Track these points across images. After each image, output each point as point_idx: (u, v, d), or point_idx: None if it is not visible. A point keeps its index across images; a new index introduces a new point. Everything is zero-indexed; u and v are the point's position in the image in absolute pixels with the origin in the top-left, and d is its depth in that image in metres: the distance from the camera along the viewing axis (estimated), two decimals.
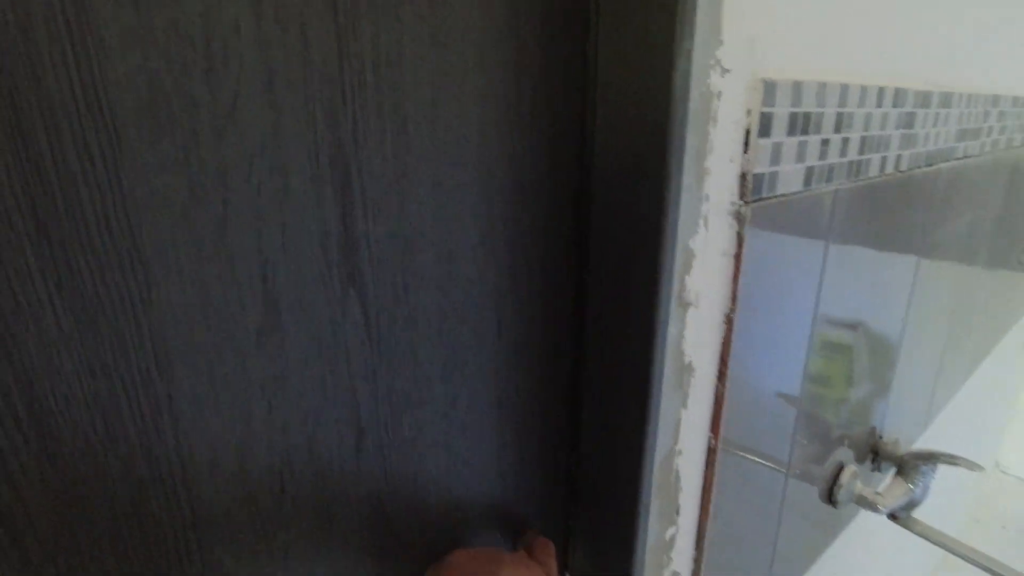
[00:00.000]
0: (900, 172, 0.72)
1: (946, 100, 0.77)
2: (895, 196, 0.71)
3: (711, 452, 0.58)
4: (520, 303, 0.50)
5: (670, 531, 0.58)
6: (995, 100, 0.94)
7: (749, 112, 0.48)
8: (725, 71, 0.45)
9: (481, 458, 0.52)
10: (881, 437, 0.92)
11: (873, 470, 0.93)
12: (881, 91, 0.63)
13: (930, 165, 0.79)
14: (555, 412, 0.56)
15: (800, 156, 0.54)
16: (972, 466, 0.83)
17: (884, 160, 0.68)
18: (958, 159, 0.86)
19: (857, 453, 0.87)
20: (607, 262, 0.50)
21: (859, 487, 0.85)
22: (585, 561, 0.61)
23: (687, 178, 0.44)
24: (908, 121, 0.70)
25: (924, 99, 0.71)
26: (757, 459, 0.64)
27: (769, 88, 0.48)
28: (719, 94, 0.45)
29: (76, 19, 0.27)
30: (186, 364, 0.34)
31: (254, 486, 0.38)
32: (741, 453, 0.61)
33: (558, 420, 0.57)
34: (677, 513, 0.58)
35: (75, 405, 0.31)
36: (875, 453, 0.92)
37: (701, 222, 0.48)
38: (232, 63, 0.31)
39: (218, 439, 0.36)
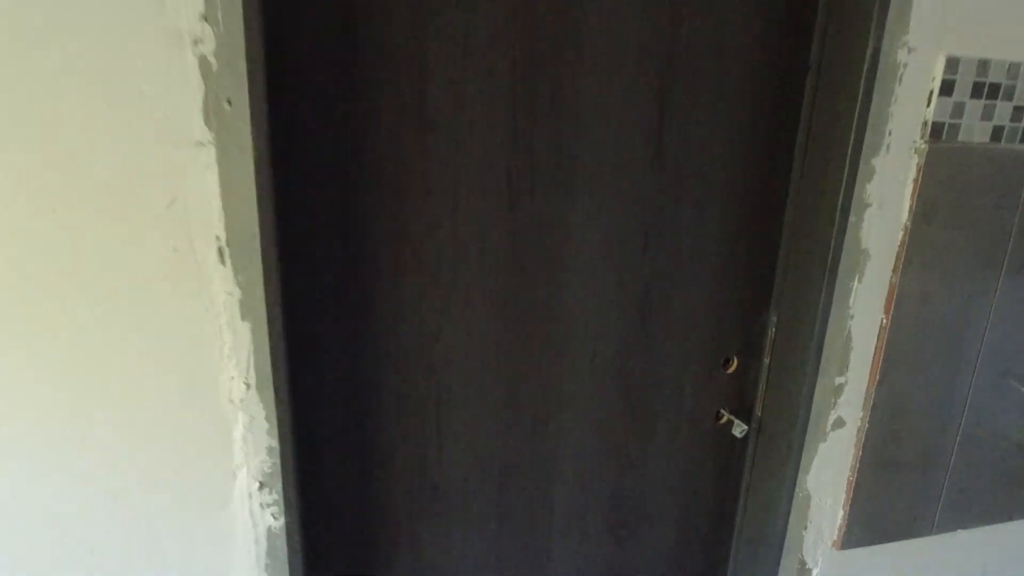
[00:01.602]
0: None
1: None
2: None
3: (882, 329, 0.80)
4: (755, 198, 0.80)
5: (839, 380, 0.81)
6: None
7: (934, 79, 0.72)
8: (912, 49, 0.70)
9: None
10: None
11: None
12: None
13: None
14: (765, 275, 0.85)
15: (987, 115, 0.74)
16: None
17: None
18: None
19: None
20: (812, 164, 0.78)
21: None
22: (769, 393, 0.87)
23: (872, 118, 0.71)
24: None
25: None
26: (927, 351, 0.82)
27: (952, 62, 0.71)
28: (905, 64, 0.70)
29: None
30: None
31: None
32: (912, 339, 0.81)
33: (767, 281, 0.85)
34: (847, 367, 0.81)
35: None
36: None
37: (884, 148, 0.73)
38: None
39: None
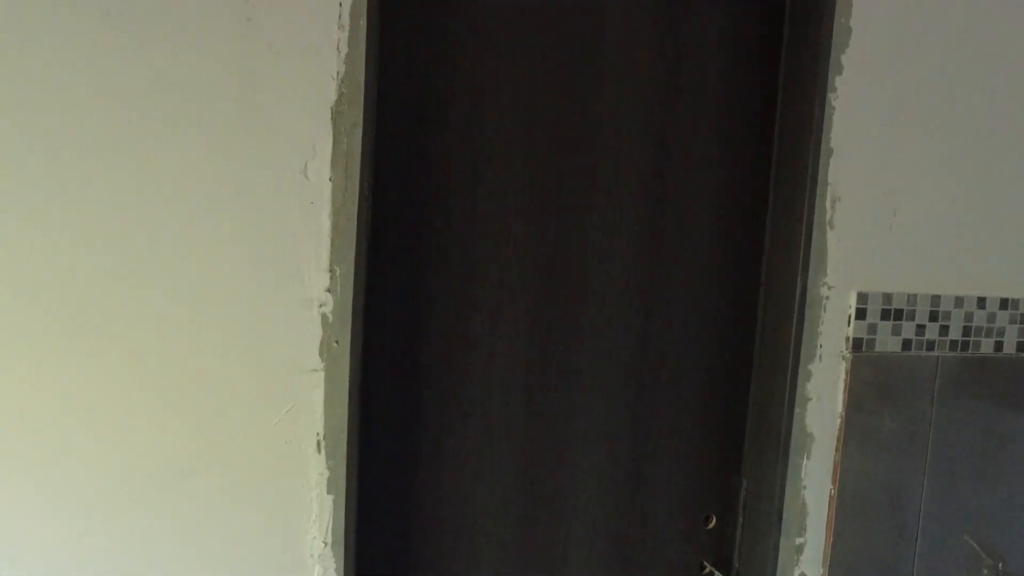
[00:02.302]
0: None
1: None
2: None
3: (831, 498, 0.97)
4: (718, 378, 1.02)
5: (799, 540, 0.97)
6: None
7: (850, 307, 0.95)
8: (830, 287, 0.94)
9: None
10: None
11: None
12: (981, 300, 1.00)
13: None
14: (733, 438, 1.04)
15: (896, 332, 0.97)
16: None
17: (999, 344, 1.02)
18: None
19: None
20: (764, 368, 0.99)
21: None
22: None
23: (806, 336, 0.93)
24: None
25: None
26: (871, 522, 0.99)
27: (862, 296, 0.94)
28: (826, 297, 0.93)
29: None
30: None
31: None
32: (856, 515, 0.98)
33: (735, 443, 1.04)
34: (805, 530, 0.97)
35: None
36: None
37: (817, 357, 0.94)
38: None
39: None
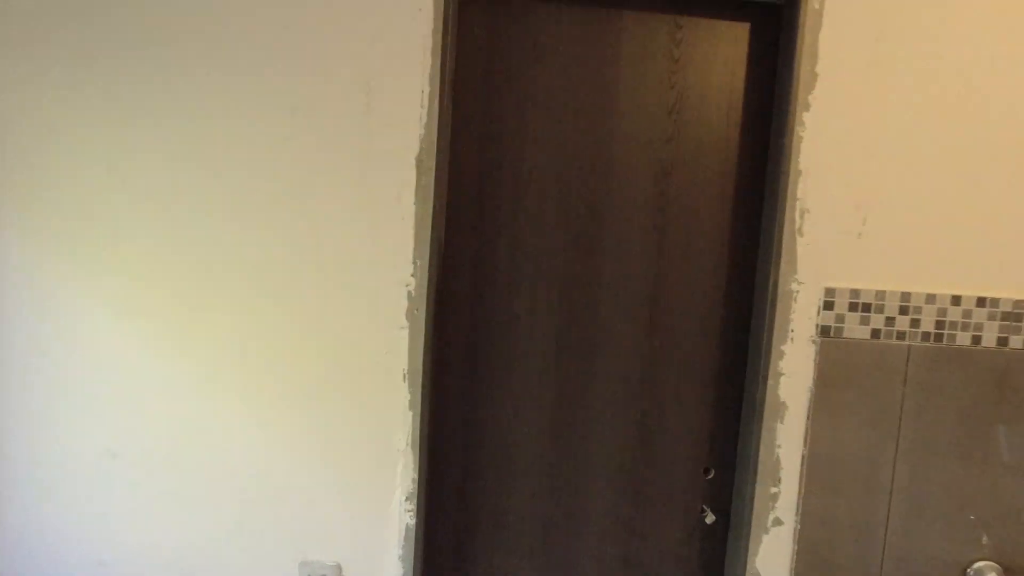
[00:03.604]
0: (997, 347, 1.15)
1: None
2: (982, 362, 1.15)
3: (803, 457, 1.18)
4: (711, 358, 1.27)
5: (773, 489, 1.19)
6: None
7: (819, 300, 1.16)
8: (801, 283, 1.15)
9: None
10: None
11: None
12: (956, 298, 1.14)
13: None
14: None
15: (864, 322, 1.15)
16: None
17: (976, 338, 1.15)
18: None
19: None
20: (752, 349, 1.23)
21: None
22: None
23: (778, 322, 1.16)
24: (1007, 315, 1.15)
25: (1016, 306, 1.14)
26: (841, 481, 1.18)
27: (829, 291, 1.15)
28: (796, 292, 1.15)
29: None
30: None
31: None
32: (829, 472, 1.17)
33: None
34: (779, 482, 1.19)
35: None
36: None
37: (789, 340, 1.17)
38: None
39: None
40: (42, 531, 1.20)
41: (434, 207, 1.15)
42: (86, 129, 1.13)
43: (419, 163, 1.14)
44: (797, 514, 1.20)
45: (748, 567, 1.21)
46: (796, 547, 1.20)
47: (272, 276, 1.16)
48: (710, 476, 1.30)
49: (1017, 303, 1.15)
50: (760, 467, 1.19)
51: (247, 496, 1.19)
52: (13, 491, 1.19)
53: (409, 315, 1.16)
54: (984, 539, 1.19)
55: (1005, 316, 1.16)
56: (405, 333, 1.16)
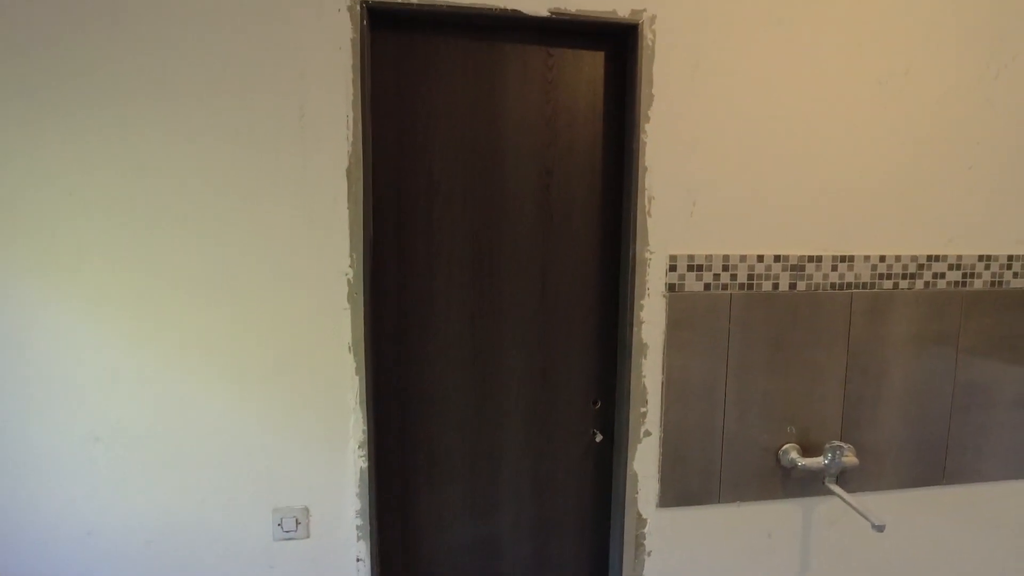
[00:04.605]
0: (789, 291, 1.59)
1: (813, 259, 1.60)
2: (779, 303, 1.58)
3: (662, 384, 1.57)
4: (588, 314, 1.63)
5: (642, 409, 1.58)
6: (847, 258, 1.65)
7: (667, 264, 1.54)
8: (652, 252, 1.53)
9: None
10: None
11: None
12: (760, 257, 1.57)
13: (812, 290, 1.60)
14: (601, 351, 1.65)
15: (698, 280, 1.55)
16: None
17: (775, 285, 1.58)
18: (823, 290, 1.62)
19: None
20: (621, 304, 1.60)
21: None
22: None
23: (638, 282, 1.53)
24: (795, 267, 1.58)
25: (800, 260, 1.59)
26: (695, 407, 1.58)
27: (672, 257, 1.53)
28: (649, 259, 1.53)
29: None
30: None
31: None
32: (684, 400, 1.58)
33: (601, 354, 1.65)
34: (646, 403, 1.58)
35: None
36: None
37: (646, 295, 1.54)
38: None
39: None
40: (36, 508, 1.37)
41: (364, 209, 1.41)
42: (45, 151, 1.29)
43: (349, 174, 1.39)
44: (660, 426, 1.60)
45: (628, 469, 1.60)
46: (661, 450, 1.60)
47: (231, 272, 1.38)
48: (598, 406, 1.68)
49: (799, 258, 1.59)
50: (632, 394, 1.58)
51: (223, 459, 1.42)
52: (4, 477, 1.35)
53: (350, 298, 1.42)
54: (789, 429, 1.65)
55: (793, 268, 1.59)
56: (347, 313, 1.43)
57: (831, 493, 1.68)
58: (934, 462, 1.75)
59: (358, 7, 1.35)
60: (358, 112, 1.38)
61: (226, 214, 1.36)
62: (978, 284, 1.72)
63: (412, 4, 1.38)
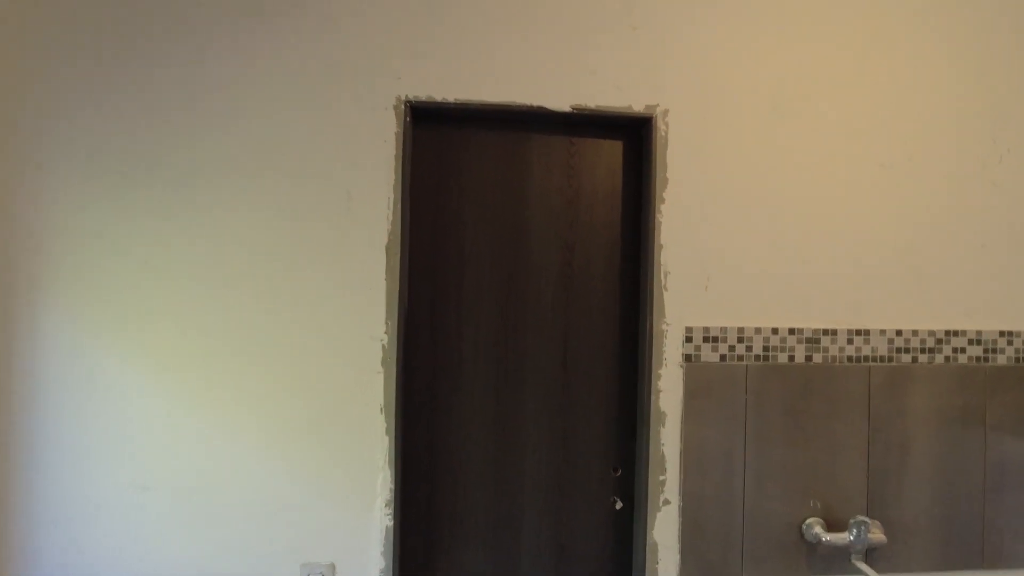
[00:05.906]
0: (805, 363, 1.63)
1: (828, 333, 1.65)
2: (794, 374, 1.63)
3: (681, 452, 1.61)
4: (611, 385, 1.70)
5: (661, 477, 1.61)
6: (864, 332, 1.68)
7: (682, 336, 1.61)
8: (668, 324, 1.61)
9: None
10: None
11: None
12: (774, 329, 1.63)
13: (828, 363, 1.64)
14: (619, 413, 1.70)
15: (714, 351, 1.61)
16: None
17: (791, 357, 1.63)
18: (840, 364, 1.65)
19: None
20: (640, 373, 1.67)
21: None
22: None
23: (655, 352, 1.61)
24: (810, 340, 1.63)
25: (815, 333, 1.64)
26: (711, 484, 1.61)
27: (688, 329, 1.61)
28: (666, 331, 1.61)
29: None
30: None
31: None
32: (701, 478, 1.61)
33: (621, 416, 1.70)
34: (665, 471, 1.61)
35: None
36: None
37: (664, 365, 1.61)
38: None
39: None
40: (81, 551, 1.47)
41: (400, 281, 1.55)
42: (128, 225, 1.48)
43: (388, 249, 1.54)
44: (680, 495, 1.62)
45: (648, 538, 1.62)
46: (681, 519, 1.61)
47: (274, 338, 1.52)
48: (618, 473, 1.71)
49: (814, 331, 1.65)
50: (651, 461, 1.61)
51: (257, 513, 1.51)
52: (57, 517, 1.47)
53: (384, 363, 1.54)
54: (813, 503, 1.65)
55: (808, 340, 1.65)
56: (380, 376, 1.54)
57: (859, 572, 1.64)
58: (970, 544, 1.71)
59: (402, 106, 1.55)
60: (398, 194, 1.55)
61: (274, 282, 1.51)
62: (1001, 360, 1.72)
63: (449, 103, 1.57)
